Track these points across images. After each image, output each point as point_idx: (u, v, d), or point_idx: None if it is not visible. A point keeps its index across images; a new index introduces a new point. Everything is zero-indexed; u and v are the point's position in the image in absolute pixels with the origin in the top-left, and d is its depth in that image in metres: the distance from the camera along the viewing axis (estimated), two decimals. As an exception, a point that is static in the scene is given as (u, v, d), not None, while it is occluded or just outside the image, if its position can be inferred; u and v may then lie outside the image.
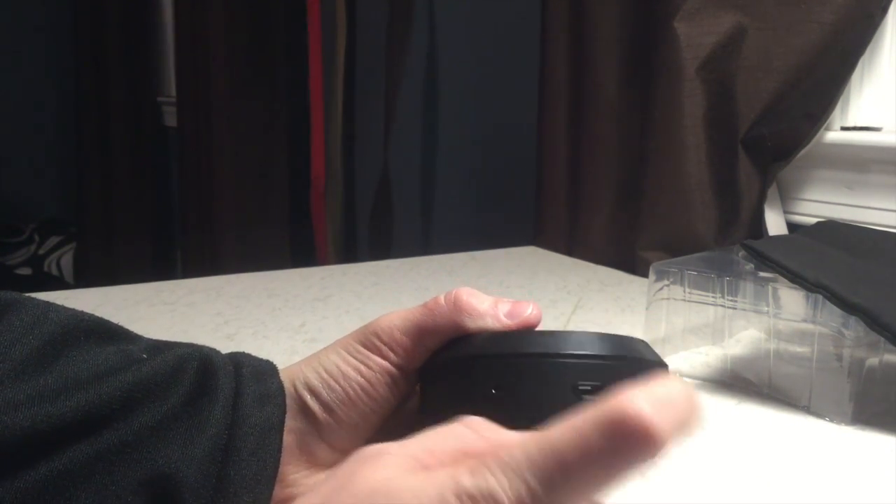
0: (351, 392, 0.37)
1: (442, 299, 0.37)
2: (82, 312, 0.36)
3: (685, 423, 0.24)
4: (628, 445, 0.23)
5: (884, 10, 0.86)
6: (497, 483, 0.24)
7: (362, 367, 0.37)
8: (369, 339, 0.38)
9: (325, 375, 0.37)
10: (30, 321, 0.34)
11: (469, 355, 0.36)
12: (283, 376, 0.38)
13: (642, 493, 0.47)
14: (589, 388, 0.33)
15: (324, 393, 0.37)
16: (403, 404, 0.38)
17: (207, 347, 0.38)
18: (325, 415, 0.37)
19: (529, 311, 0.37)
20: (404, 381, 0.38)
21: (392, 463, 0.27)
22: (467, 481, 0.25)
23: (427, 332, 0.37)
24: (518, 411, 0.29)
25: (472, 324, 0.36)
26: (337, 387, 0.37)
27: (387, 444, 0.28)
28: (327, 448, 0.37)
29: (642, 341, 0.36)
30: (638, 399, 0.23)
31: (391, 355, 0.37)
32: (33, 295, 0.36)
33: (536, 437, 0.25)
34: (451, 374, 0.36)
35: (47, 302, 0.35)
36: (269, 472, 0.35)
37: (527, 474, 0.24)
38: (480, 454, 0.26)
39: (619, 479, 0.24)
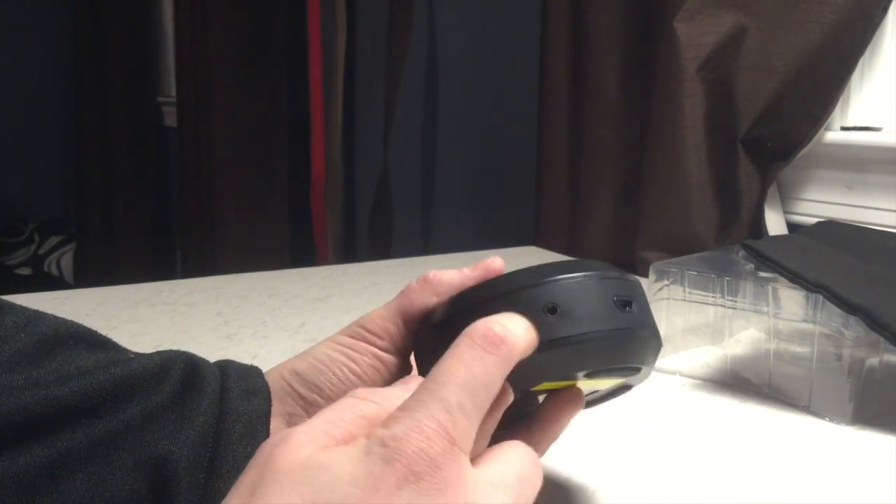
0: (338, 371, 0.39)
1: (413, 282, 0.40)
2: (72, 321, 0.38)
3: (523, 334, 0.32)
4: (489, 347, 0.30)
5: (884, 10, 0.86)
6: (411, 418, 0.28)
7: (349, 352, 0.40)
8: (355, 331, 0.40)
9: (313, 361, 0.40)
10: (22, 322, 0.35)
11: (444, 313, 0.38)
12: (271, 371, 0.40)
13: (642, 494, 0.47)
14: None
15: (310, 374, 0.39)
16: None
17: (193, 354, 0.40)
18: (312, 394, 0.39)
19: (492, 261, 0.40)
20: (395, 365, 0.40)
21: (306, 440, 0.29)
22: (385, 431, 0.27)
23: (407, 315, 0.40)
24: None
25: (444, 293, 0.39)
26: (324, 367, 0.39)
27: (291, 428, 0.30)
28: None
29: (606, 262, 0.38)
30: (490, 318, 0.32)
31: (377, 340, 0.40)
32: (33, 295, 0.37)
33: (430, 373, 0.30)
34: (432, 337, 0.38)
35: (38, 311, 0.37)
36: None
37: (433, 402, 0.28)
38: (377, 415, 0.30)
39: (497, 378, 0.30)
